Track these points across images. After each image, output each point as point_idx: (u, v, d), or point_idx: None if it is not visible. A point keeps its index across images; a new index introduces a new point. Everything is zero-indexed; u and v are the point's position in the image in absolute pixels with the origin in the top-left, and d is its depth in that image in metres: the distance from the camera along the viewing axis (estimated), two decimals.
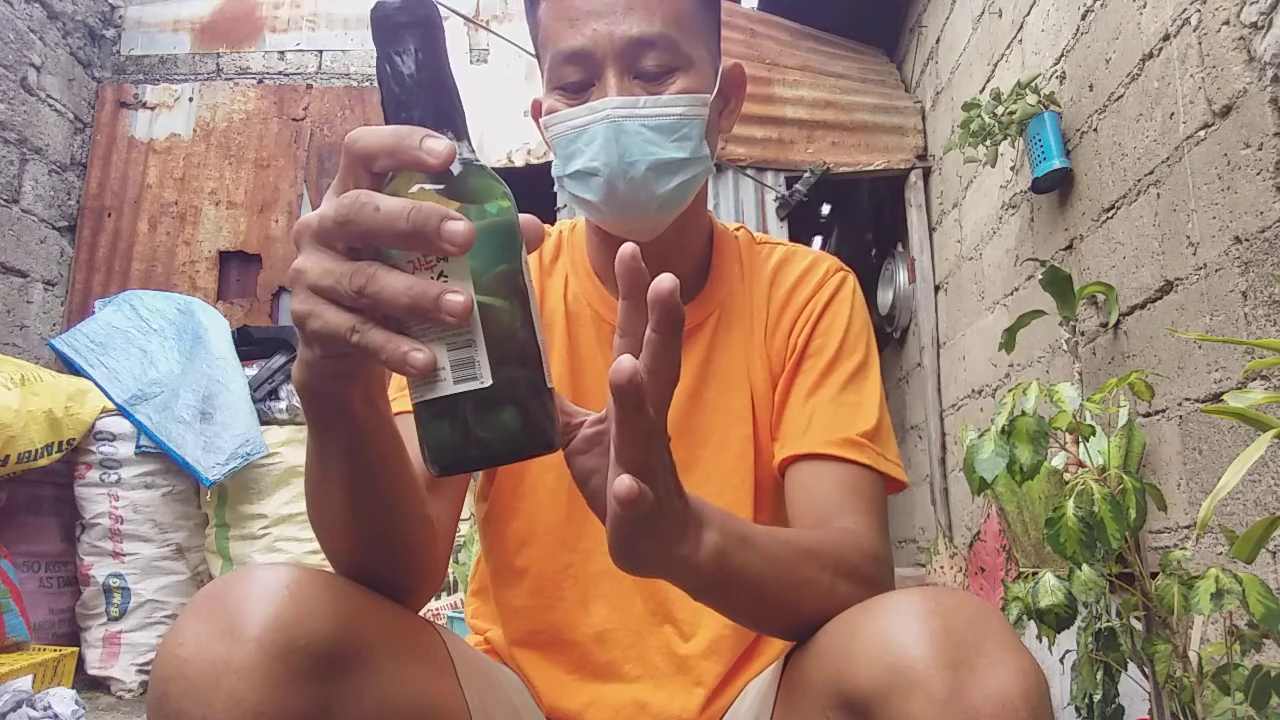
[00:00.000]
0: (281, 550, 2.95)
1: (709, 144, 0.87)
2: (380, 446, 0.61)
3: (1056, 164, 2.23)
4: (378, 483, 0.62)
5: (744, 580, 0.62)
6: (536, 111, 0.92)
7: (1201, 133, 1.65)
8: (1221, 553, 1.58)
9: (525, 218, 0.52)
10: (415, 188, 0.47)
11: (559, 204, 3.52)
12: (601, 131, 0.82)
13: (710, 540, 0.58)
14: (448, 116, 0.48)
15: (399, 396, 0.85)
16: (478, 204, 0.48)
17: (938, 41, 3.48)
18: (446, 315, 0.45)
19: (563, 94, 0.84)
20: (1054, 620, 1.29)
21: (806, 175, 3.61)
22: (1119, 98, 1.99)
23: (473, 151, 0.50)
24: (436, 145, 0.46)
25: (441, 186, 0.47)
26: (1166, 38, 1.77)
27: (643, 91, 0.83)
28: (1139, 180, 1.91)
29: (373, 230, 0.45)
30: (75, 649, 2.60)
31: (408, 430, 0.67)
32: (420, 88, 0.48)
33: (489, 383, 0.46)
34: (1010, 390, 1.32)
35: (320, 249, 0.48)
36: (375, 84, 3.95)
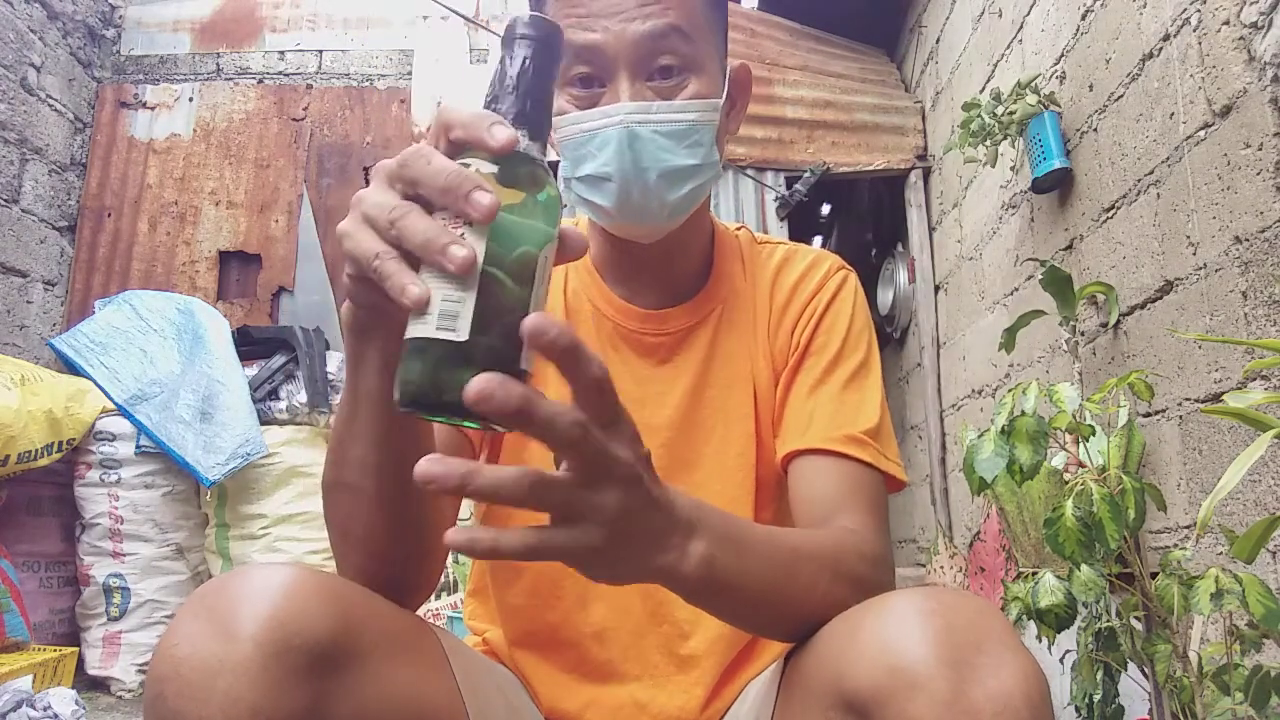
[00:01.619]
0: (281, 550, 2.95)
1: (718, 148, 0.87)
2: None
3: (1056, 164, 2.22)
4: (401, 436, 0.65)
5: (736, 587, 0.62)
6: None
7: (1201, 133, 1.65)
8: (1221, 553, 1.58)
9: (572, 232, 0.57)
10: (474, 165, 0.53)
11: (559, 204, 3.51)
12: (614, 137, 0.81)
13: (697, 550, 0.58)
14: (527, 119, 0.55)
15: None
16: (525, 190, 0.53)
17: (938, 41, 3.47)
18: (447, 262, 0.49)
19: (572, 93, 0.84)
20: (1054, 620, 1.29)
21: (806, 175, 3.61)
22: (1119, 98, 1.99)
23: (542, 154, 0.56)
24: (501, 132, 0.51)
25: (497, 169, 0.53)
26: (1166, 38, 1.77)
27: (655, 96, 0.82)
28: (1139, 180, 1.91)
29: (417, 177, 0.51)
30: (75, 649, 2.60)
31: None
32: (515, 90, 0.55)
33: (463, 338, 0.50)
34: (1010, 390, 1.32)
35: (385, 187, 0.54)
36: (374, 85, 3.96)
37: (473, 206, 0.49)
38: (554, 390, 0.89)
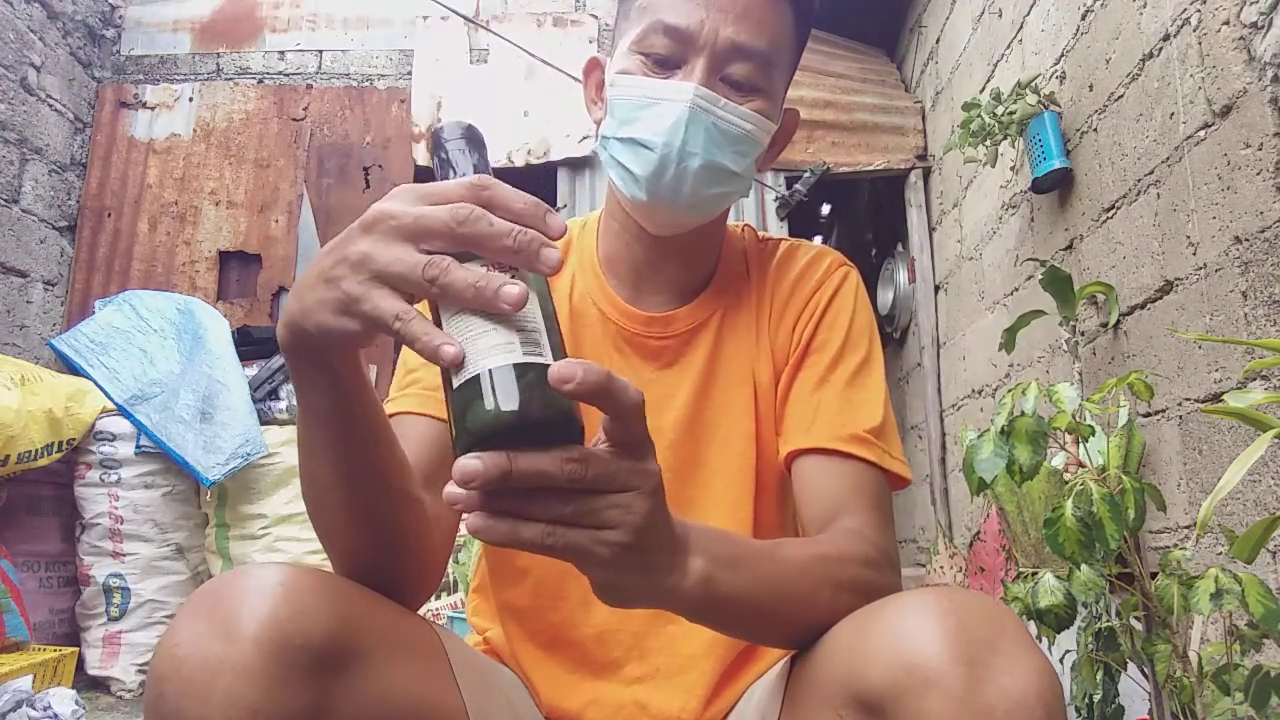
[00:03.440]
0: (281, 550, 2.95)
1: (754, 169, 0.89)
2: (365, 408, 0.63)
3: (1056, 164, 2.22)
4: (364, 448, 0.64)
5: (735, 603, 0.63)
6: (591, 69, 0.93)
7: (1201, 133, 1.65)
8: (1221, 553, 1.58)
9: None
10: None
11: (558, 204, 3.51)
12: (675, 112, 0.82)
13: (696, 567, 0.59)
14: None
15: (397, 397, 0.85)
16: None
17: (938, 41, 3.47)
18: (504, 304, 0.50)
19: (644, 62, 0.85)
20: (1054, 620, 1.29)
21: (806, 175, 3.61)
22: (1119, 98, 1.99)
23: None
24: (555, 221, 0.53)
25: None
26: (1166, 38, 1.77)
27: (723, 96, 0.84)
28: (1139, 180, 1.91)
29: (480, 238, 0.51)
30: (75, 649, 2.60)
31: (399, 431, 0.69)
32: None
33: (551, 360, 0.51)
34: (1010, 390, 1.32)
35: (400, 242, 0.52)
36: (374, 85, 3.96)
37: (545, 262, 0.52)
38: None
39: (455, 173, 0.57)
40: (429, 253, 0.52)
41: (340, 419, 0.62)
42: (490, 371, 0.50)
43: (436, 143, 0.59)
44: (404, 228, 0.52)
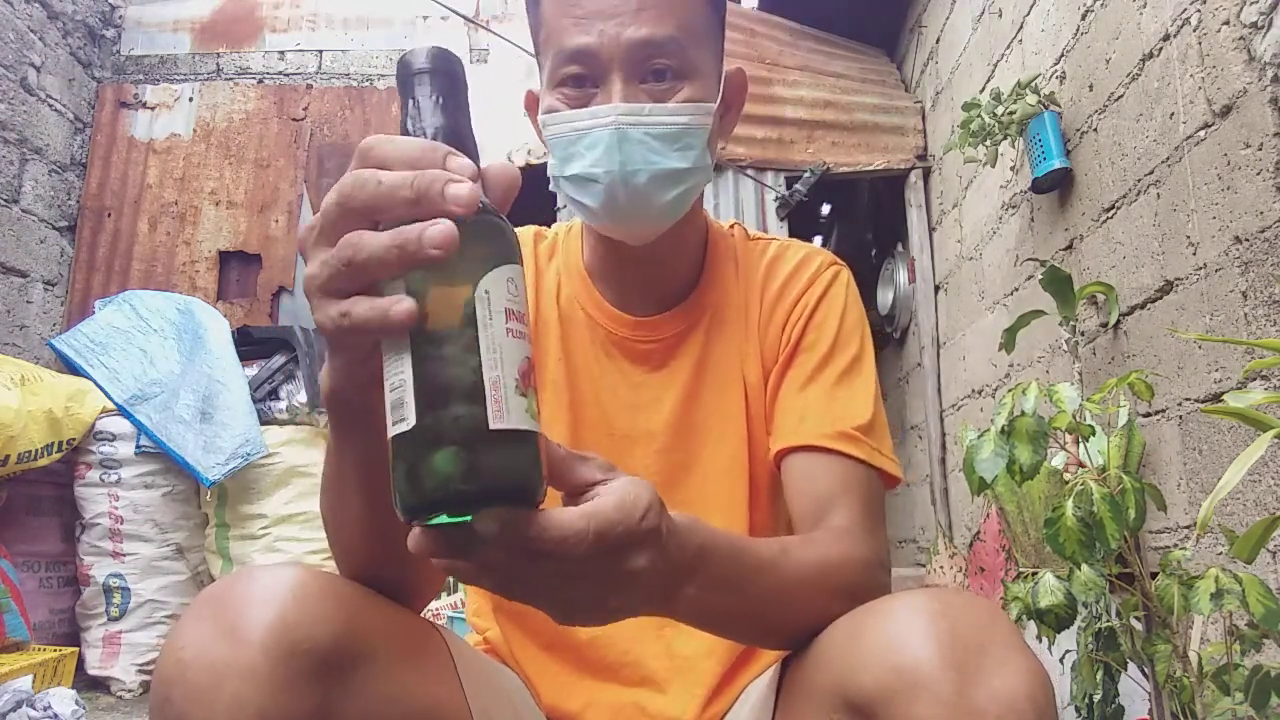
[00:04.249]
0: (281, 550, 2.95)
1: (710, 152, 0.87)
2: None
3: (1056, 164, 2.23)
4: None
5: (727, 617, 0.64)
6: (531, 105, 0.90)
7: (1201, 133, 1.65)
8: (1221, 553, 1.58)
9: (496, 167, 0.51)
10: None
11: (559, 204, 3.51)
12: (604, 138, 0.80)
13: (686, 595, 0.58)
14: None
15: None
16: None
17: (938, 41, 3.48)
18: (431, 249, 0.43)
19: (564, 93, 0.83)
20: (1054, 620, 1.29)
21: (806, 175, 3.61)
22: (1119, 98, 1.99)
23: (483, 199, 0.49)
24: (459, 163, 0.47)
25: None
26: (1166, 38, 1.77)
27: (648, 98, 0.81)
28: (1139, 180, 1.91)
29: (373, 201, 0.46)
30: (75, 649, 2.59)
31: None
32: (437, 129, 0.49)
33: (414, 424, 0.44)
34: (1010, 390, 1.32)
35: (323, 248, 0.48)
36: (374, 85, 3.96)
37: (454, 201, 0.45)
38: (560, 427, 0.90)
39: (418, 121, 0.49)
40: None
41: (372, 468, 0.59)
42: (402, 438, 0.45)
43: (398, 79, 0.51)
44: (319, 231, 0.48)
